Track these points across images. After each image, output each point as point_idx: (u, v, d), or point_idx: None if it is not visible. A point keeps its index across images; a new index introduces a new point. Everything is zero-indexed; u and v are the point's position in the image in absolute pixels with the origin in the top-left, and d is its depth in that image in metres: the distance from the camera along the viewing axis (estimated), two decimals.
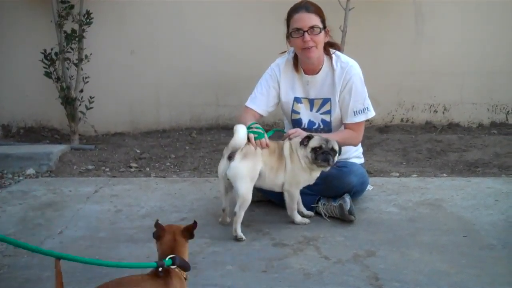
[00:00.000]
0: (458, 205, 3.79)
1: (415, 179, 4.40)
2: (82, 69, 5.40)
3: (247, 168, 3.27)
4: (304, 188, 3.50)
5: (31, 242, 3.03)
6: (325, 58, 3.63)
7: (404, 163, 4.88)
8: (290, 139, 3.46)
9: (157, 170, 4.78)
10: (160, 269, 2.03)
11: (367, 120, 3.78)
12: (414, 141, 5.44)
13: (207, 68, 5.83)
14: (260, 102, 3.70)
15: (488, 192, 4.00)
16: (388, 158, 5.01)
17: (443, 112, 5.97)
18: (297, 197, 3.49)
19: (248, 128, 3.37)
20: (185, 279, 2.13)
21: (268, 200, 3.76)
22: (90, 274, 2.76)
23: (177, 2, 5.74)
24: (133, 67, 5.82)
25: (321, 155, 3.33)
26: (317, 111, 3.66)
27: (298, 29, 3.47)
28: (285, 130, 3.90)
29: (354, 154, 3.79)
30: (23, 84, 5.75)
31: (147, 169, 4.80)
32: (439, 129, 5.83)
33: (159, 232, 2.17)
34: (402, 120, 5.98)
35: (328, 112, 3.64)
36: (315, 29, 3.46)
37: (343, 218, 3.50)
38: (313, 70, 3.63)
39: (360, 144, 3.84)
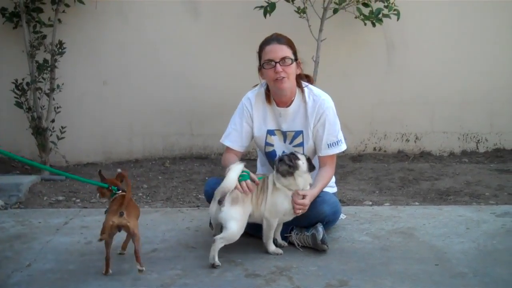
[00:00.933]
0: (430, 233, 3.80)
1: (388, 207, 4.43)
2: (54, 99, 5.37)
3: (238, 213, 3.30)
4: None
5: None
6: (297, 90, 3.65)
7: (377, 192, 4.91)
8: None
9: None
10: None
11: None
12: (387, 170, 5.48)
13: (181, 97, 5.83)
14: (234, 138, 3.71)
15: (459, 220, 4.03)
16: (361, 186, 5.03)
17: (415, 141, 6.04)
18: (275, 226, 3.48)
19: None
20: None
21: None
22: None
23: (150, 32, 5.76)
24: (106, 97, 5.80)
25: (278, 159, 3.43)
26: (290, 143, 3.67)
27: (270, 60, 3.49)
28: (258, 162, 3.93)
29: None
30: None
31: None
32: (411, 157, 5.89)
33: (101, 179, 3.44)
34: (374, 149, 6.04)
35: (301, 144, 3.66)
36: (286, 60, 3.48)
37: (316, 248, 3.48)
38: (285, 103, 3.65)
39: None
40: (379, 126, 6.00)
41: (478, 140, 6.07)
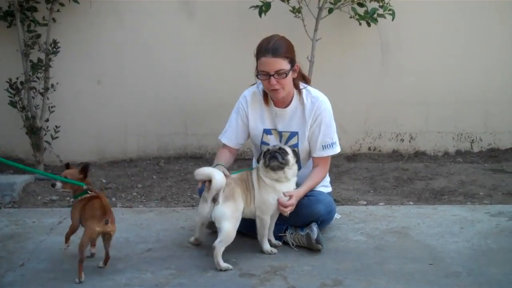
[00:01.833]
0: (424, 233, 3.81)
1: (382, 207, 4.43)
2: (48, 99, 5.35)
3: (231, 209, 3.31)
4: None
5: None
6: (295, 92, 3.65)
7: (372, 191, 4.91)
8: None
9: (123, 200, 4.72)
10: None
11: None
12: (381, 170, 5.49)
13: (175, 97, 5.82)
14: (231, 135, 3.76)
15: (453, 220, 4.04)
16: (356, 186, 5.03)
17: (410, 141, 6.04)
18: (268, 223, 3.49)
19: None
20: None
21: None
22: None
23: (144, 31, 5.74)
24: (100, 96, 5.78)
25: (268, 155, 3.42)
26: (285, 143, 3.66)
27: (264, 72, 3.49)
28: (254, 160, 3.92)
29: (322, 183, 3.80)
30: None
31: (113, 199, 4.73)
32: (406, 157, 5.90)
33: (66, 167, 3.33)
34: (369, 148, 6.04)
35: (296, 145, 3.66)
36: (281, 73, 3.47)
37: (311, 247, 3.49)
38: (282, 103, 3.66)
39: (327, 173, 3.86)
40: (373, 125, 6.00)
41: (473, 140, 6.08)
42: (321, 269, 3.25)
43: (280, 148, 3.47)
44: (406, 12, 5.63)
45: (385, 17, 5.40)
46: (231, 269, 3.23)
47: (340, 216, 4.04)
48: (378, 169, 5.50)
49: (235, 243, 3.39)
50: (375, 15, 5.37)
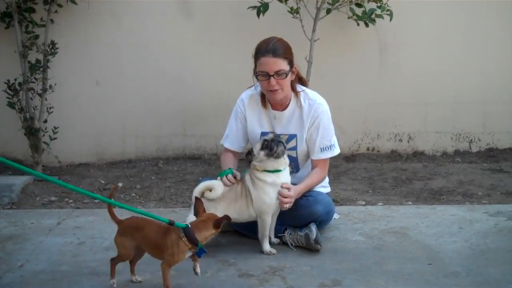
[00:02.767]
0: (423, 233, 3.82)
1: (381, 207, 4.43)
2: (46, 99, 5.34)
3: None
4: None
5: None
6: (292, 94, 3.66)
7: (370, 192, 4.92)
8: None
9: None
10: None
11: None
12: (380, 170, 5.49)
13: (174, 98, 5.82)
14: (233, 140, 3.79)
15: (452, 220, 4.04)
16: (355, 186, 5.04)
17: (408, 141, 6.05)
18: (269, 223, 3.49)
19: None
20: (190, 249, 2.86)
21: (234, 230, 3.74)
22: None
23: (142, 32, 5.74)
24: (99, 97, 5.78)
25: (272, 143, 3.40)
26: None
27: (264, 72, 3.49)
28: None
29: (320, 184, 3.80)
30: None
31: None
32: (404, 157, 5.90)
33: (196, 209, 3.05)
34: (368, 149, 6.04)
35: (294, 148, 3.67)
36: (281, 73, 3.47)
37: (309, 248, 3.49)
38: (280, 106, 3.67)
39: (326, 175, 3.86)
40: (372, 126, 6.00)
41: (471, 140, 6.08)
42: (320, 269, 3.26)
43: (275, 135, 3.50)
44: (404, 12, 5.63)
45: (383, 18, 5.39)
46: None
47: (339, 216, 4.04)
48: (376, 169, 5.50)
49: (234, 244, 3.40)
50: (373, 16, 5.36)
